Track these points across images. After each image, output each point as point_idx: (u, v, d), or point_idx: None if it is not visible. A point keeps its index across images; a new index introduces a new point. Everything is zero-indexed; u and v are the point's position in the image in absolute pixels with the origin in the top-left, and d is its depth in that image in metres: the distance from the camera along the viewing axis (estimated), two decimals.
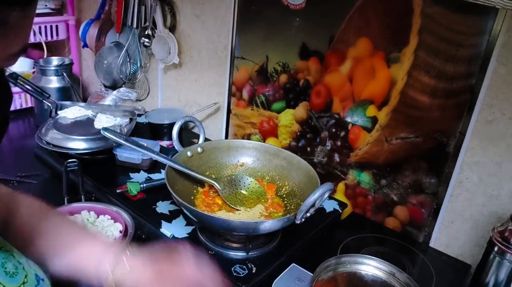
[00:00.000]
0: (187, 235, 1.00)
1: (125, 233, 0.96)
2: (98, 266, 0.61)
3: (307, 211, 0.88)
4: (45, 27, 1.87)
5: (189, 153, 1.10)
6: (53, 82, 1.67)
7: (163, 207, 1.10)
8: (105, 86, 1.79)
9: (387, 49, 1.08)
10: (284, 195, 1.10)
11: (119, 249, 0.63)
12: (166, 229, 1.01)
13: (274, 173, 1.14)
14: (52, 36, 1.91)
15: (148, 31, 1.60)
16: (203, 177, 1.04)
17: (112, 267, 0.61)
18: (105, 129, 1.01)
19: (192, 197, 1.05)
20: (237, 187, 1.07)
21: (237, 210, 1.01)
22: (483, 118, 0.99)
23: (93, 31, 1.77)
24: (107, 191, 1.15)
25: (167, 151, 1.40)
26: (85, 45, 1.84)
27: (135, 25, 1.61)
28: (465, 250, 1.09)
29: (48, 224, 0.67)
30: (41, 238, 0.64)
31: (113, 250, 0.63)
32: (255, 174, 1.15)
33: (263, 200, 1.05)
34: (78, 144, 1.26)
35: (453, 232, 1.10)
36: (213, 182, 1.04)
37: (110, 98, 1.56)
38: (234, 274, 0.91)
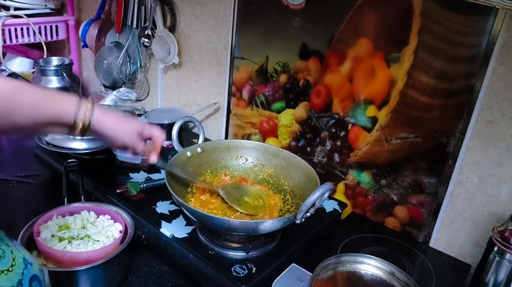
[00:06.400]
0: (187, 235, 1.00)
1: (125, 233, 0.96)
2: (77, 111, 0.73)
3: (307, 211, 0.87)
4: (45, 27, 1.87)
5: (188, 153, 1.10)
6: (53, 82, 1.67)
7: (163, 207, 1.10)
8: (105, 86, 1.79)
9: (387, 49, 1.08)
10: (283, 195, 1.10)
11: (91, 100, 0.76)
12: (166, 229, 1.01)
13: (274, 173, 1.14)
14: (52, 36, 1.91)
15: (148, 31, 1.60)
16: (207, 186, 1.05)
17: (89, 111, 0.74)
18: None
19: (188, 196, 1.05)
20: (240, 194, 1.06)
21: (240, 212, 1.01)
22: (483, 118, 0.99)
23: (93, 31, 1.77)
24: (107, 191, 1.15)
25: (167, 151, 1.40)
26: (85, 45, 1.84)
27: (135, 25, 1.61)
28: (465, 250, 1.09)
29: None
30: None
31: (87, 100, 0.76)
32: (255, 175, 1.15)
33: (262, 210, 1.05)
34: (78, 144, 1.26)
35: (453, 232, 1.10)
36: (219, 190, 1.04)
37: (110, 98, 1.56)
38: (234, 274, 0.91)
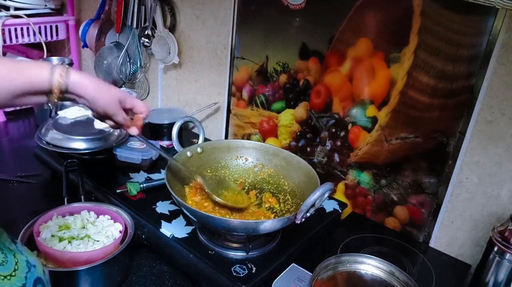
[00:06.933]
0: (187, 235, 1.00)
1: (125, 233, 0.96)
2: (51, 75, 0.70)
3: (307, 211, 0.87)
4: (45, 27, 1.87)
5: (188, 153, 1.10)
6: None
7: (163, 207, 1.10)
8: None
9: (387, 49, 1.08)
10: (283, 195, 1.10)
11: (65, 65, 0.74)
12: (166, 229, 1.01)
13: (274, 173, 1.14)
14: (52, 36, 1.91)
15: (148, 31, 1.60)
16: (191, 172, 1.04)
17: (64, 74, 0.71)
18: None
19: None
20: (220, 186, 1.06)
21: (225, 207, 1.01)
22: (483, 118, 0.99)
23: (93, 31, 1.77)
24: (107, 191, 1.15)
25: (167, 152, 1.40)
26: (85, 45, 1.84)
27: (135, 25, 1.61)
28: (465, 250, 1.09)
29: None
30: None
31: (61, 65, 0.73)
32: (255, 175, 1.15)
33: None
34: (78, 144, 1.26)
35: (453, 232, 1.10)
36: (197, 178, 1.03)
37: None
38: (234, 274, 0.91)
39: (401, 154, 1.12)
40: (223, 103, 1.51)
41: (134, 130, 0.88)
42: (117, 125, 0.86)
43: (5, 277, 0.58)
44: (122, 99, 0.83)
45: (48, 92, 0.71)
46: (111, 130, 1.31)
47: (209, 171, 1.13)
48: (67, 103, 1.55)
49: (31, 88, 0.69)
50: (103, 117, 0.83)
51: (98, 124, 1.33)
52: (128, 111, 0.87)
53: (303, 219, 0.88)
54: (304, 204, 0.87)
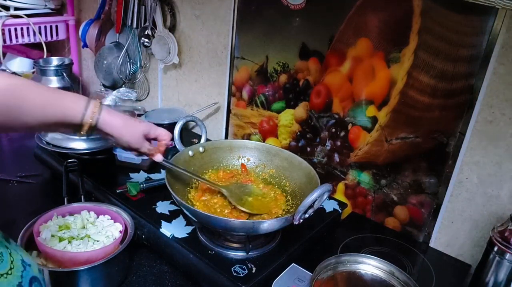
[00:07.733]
0: (187, 235, 1.00)
1: (125, 233, 0.96)
2: (85, 111, 0.74)
3: (305, 212, 0.87)
4: (45, 27, 1.87)
5: (190, 153, 1.10)
6: (53, 82, 1.67)
7: (163, 207, 1.10)
8: (105, 86, 1.79)
9: (387, 49, 1.08)
10: (285, 196, 1.10)
11: (99, 101, 0.78)
12: (166, 229, 1.02)
13: (275, 173, 1.14)
14: (52, 36, 1.91)
15: (148, 31, 1.60)
16: (214, 184, 1.04)
17: (96, 112, 0.76)
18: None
19: (189, 196, 1.05)
20: (243, 193, 1.06)
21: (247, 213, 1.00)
22: (483, 118, 0.99)
23: (93, 31, 1.77)
24: (107, 191, 1.15)
25: (167, 151, 1.39)
26: (85, 45, 1.84)
27: (135, 25, 1.61)
28: (465, 250, 1.09)
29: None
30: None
31: (95, 100, 0.77)
32: (256, 175, 1.15)
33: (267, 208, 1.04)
34: (78, 144, 1.26)
35: (453, 232, 1.10)
36: (223, 190, 1.03)
37: (110, 98, 1.56)
38: (234, 274, 0.91)
39: (401, 154, 1.12)
40: (223, 103, 1.51)
41: (158, 157, 0.94)
42: (141, 154, 0.91)
43: (2, 275, 0.58)
44: (146, 133, 0.89)
45: (77, 126, 0.75)
46: None
47: (210, 170, 1.13)
48: None
49: (64, 120, 0.72)
50: (128, 149, 0.89)
51: None
52: (152, 139, 0.93)
53: (301, 220, 0.88)
54: (301, 205, 0.86)
